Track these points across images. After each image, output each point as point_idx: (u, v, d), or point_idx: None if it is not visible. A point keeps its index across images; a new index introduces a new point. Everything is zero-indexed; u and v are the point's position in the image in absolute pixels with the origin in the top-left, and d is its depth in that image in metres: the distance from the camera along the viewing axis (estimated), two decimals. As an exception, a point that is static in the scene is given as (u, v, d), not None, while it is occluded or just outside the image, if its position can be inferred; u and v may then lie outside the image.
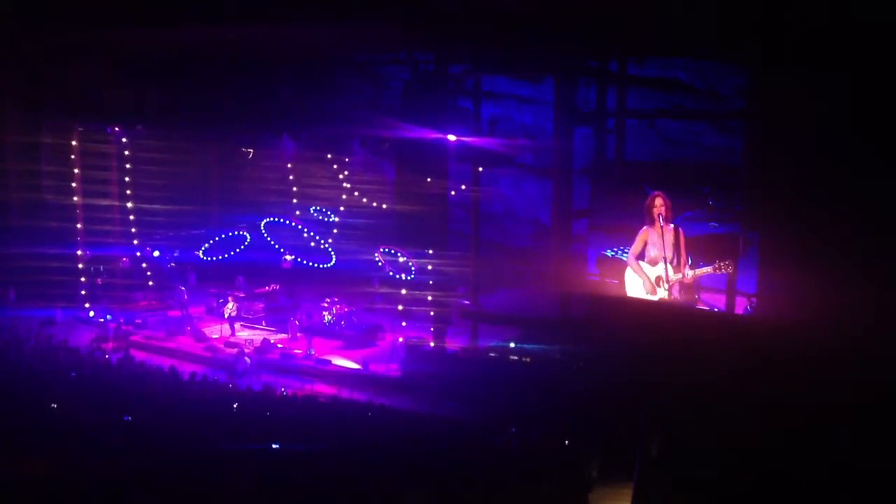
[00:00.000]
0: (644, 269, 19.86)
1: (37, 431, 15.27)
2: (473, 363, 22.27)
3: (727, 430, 15.12)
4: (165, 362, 22.31)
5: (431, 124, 22.96)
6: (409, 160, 24.38)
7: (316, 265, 27.52)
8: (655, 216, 19.31)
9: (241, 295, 26.63)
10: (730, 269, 19.38)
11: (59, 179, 27.44)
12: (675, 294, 19.65)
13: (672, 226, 19.62)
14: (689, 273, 19.51)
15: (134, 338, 25.26)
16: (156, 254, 27.47)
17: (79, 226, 27.34)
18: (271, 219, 27.98)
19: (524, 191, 31.96)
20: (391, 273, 24.49)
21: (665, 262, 19.40)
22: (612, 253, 23.65)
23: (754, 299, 21.07)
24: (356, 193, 28.52)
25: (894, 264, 17.95)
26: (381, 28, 23.83)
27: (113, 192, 27.66)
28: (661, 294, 19.75)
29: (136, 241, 27.75)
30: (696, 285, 21.18)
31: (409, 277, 23.94)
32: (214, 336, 25.25)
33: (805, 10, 19.03)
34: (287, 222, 27.90)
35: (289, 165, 29.59)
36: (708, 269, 19.38)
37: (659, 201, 19.37)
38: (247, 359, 22.91)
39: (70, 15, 25.47)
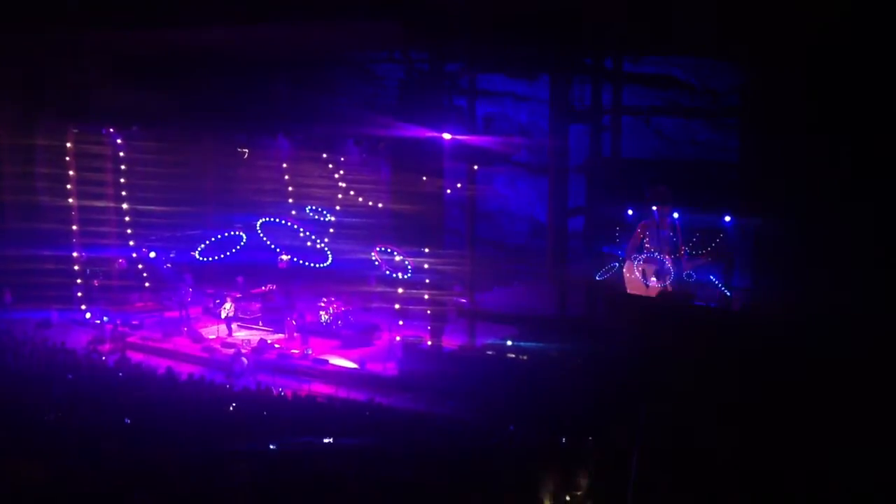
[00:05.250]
0: (643, 263, 19.92)
1: (34, 434, 15.25)
2: (470, 361, 22.27)
3: (726, 429, 15.15)
4: (162, 363, 22.28)
5: (427, 123, 22.93)
6: (404, 159, 24.36)
7: (312, 265, 27.45)
8: (653, 210, 19.37)
9: (238, 295, 26.59)
10: (721, 258, 19.46)
11: (55, 181, 27.39)
12: (672, 286, 19.71)
13: (669, 219, 19.67)
14: (687, 264, 19.60)
15: (131, 339, 25.23)
16: (152, 255, 27.40)
17: (74, 227, 27.30)
18: (267, 219, 27.89)
19: (520, 189, 31.96)
20: (388, 272, 24.46)
21: (662, 255, 19.46)
22: (609, 249, 23.71)
23: (749, 293, 21.12)
24: (352, 193, 28.45)
25: (891, 260, 17.99)
26: (377, 27, 23.80)
27: (108, 194, 27.60)
28: (658, 287, 19.80)
29: (132, 243, 27.70)
30: (693, 279, 21.28)
31: (405, 276, 23.90)
32: (211, 337, 25.22)
33: (801, 9, 19.06)
34: (283, 222, 27.83)
35: (284, 165, 29.51)
36: (703, 258, 19.45)
37: (656, 195, 19.42)
38: (244, 359, 22.88)
39: (65, 17, 25.42)
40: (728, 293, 21.37)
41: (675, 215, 21.33)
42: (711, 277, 21.70)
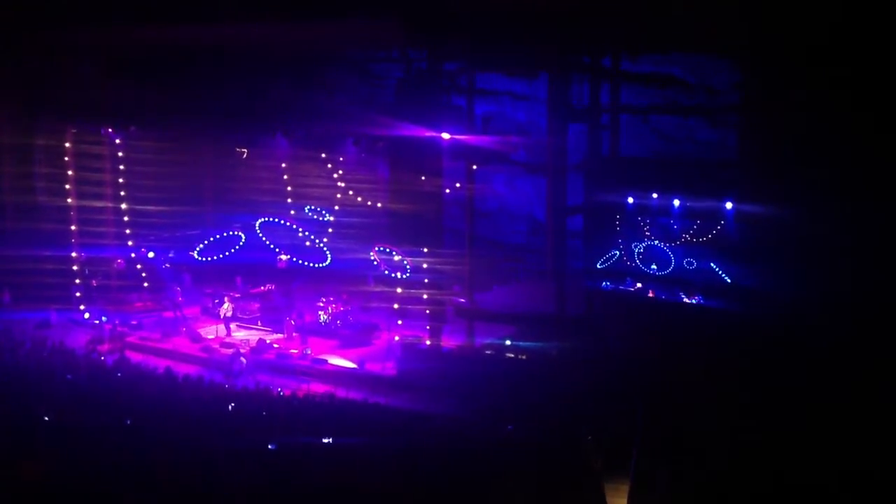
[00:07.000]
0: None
1: (32, 434, 15.24)
2: (470, 361, 22.24)
3: (724, 425, 15.15)
4: (161, 364, 22.23)
5: (425, 122, 22.92)
6: (403, 158, 24.34)
7: (311, 265, 27.44)
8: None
9: (237, 295, 26.56)
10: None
11: (54, 181, 27.32)
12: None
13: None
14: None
15: (129, 339, 25.18)
16: (150, 255, 27.37)
17: (73, 228, 27.23)
18: (266, 218, 27.88)
19: (518, 188, 32.00)
20: (387, 272, 24.45)
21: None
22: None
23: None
24: (350, 192, 28.45)
25: (889, 256, 17.99)
26: (376, 25, 23.78)
27: (107, 194, 27.52)
28: None
29: (130, 243, 27.65)
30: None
31: (404, 276, 23.90)
32: (210, 337, 25.19)
33: (800, 7, 19.06)
34: (282, 222, 27.84)
35: (283, 165, 29.52)
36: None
37: None
38: (243, 359, 22.84)
39: (63, 17, 25.39)
40: (728, 280, 21.52)
41: (676, 203, 21.64)
42: (712, 265, 21.87)
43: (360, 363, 22.89)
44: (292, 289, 27.45)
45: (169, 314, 26.71)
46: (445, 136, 22.80)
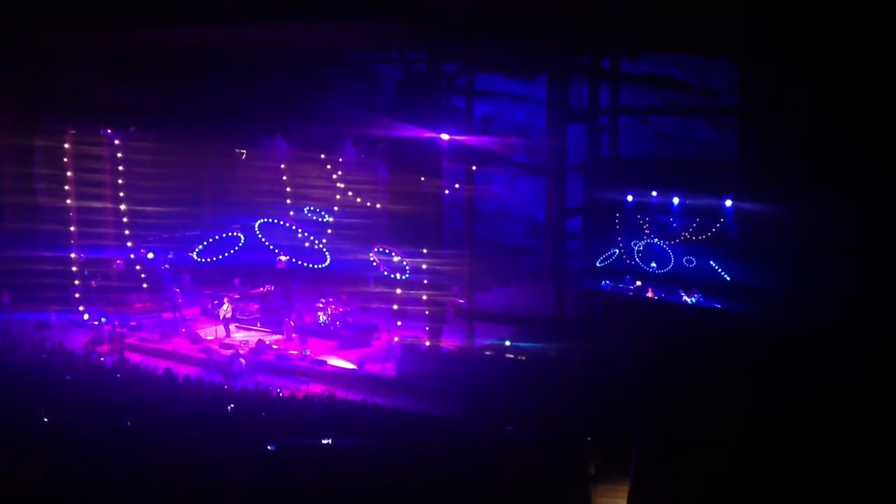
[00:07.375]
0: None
1: (32, 435, 15.24)
2: (469, 362, 22.24)
3: (723, 427, 15.16)
4: (161, 364, 22.23)
5: (424, 123, 22.92)
6: (402, 159, 24.35)
7: (311, 265, 27.45)
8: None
9: (236, 296, 26.56)
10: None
11: (53, 182, 27.33)
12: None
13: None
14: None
15: (129, 340, 25.17)
16: (150, 256, 27.37)
17: (72, 228, 27.23)
18: (265, 219, 27.90)
19: (518, 189, 32.01)
20: (386, 272, 24.45)
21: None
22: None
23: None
24: (350, 193, 28.47)
25: (889, 256, 18.01)
26: (375, 26, 23.80)
27: (107, 195, 27.51)
28: None
29: (130, 244, 27.64)
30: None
31: (404, 277, 23.91)
32: (209, 337, 25.18)
33: (799, 8, 19.10)
34: (281, 223, 27.85)
35: (282, 166, 29.56)
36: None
37: None
38: (242, 360, 22.83)
39: (63, 18, 25.40)
40: (727, 278, 21.57)
41: (675, 201, 21.78)
42: (711, 263, 21.95)
43: (360, 364, 22.89)
44: (291, 290, 27.44)
45: (168, 315, 26.70)
46: (445, 136, 22.80)
